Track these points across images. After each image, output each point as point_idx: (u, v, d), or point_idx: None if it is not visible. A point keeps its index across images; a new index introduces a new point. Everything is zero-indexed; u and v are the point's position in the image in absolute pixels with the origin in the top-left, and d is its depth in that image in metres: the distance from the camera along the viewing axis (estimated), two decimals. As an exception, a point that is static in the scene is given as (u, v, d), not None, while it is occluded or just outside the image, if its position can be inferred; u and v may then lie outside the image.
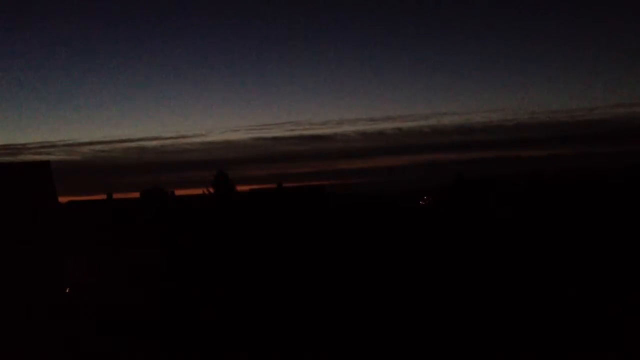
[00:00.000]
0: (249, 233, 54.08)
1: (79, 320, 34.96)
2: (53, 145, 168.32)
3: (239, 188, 65.74)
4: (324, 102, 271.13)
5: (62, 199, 55.39)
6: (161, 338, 30.51)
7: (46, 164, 40.99)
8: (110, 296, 40.60)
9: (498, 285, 38.23)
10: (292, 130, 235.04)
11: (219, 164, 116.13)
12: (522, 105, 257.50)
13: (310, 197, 67.62)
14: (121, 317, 34.69)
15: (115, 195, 67.17)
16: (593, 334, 27.29)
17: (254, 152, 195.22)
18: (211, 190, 61.95)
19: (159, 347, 29.05)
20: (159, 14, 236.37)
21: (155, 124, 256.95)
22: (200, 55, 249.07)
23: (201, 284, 42.21)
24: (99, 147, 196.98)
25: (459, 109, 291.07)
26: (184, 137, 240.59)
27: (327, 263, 47.74)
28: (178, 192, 72.09)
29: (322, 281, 42.43)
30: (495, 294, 36.07)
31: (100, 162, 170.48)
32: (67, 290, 40.60)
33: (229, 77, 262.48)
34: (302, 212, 60.71)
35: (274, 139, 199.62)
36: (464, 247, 52.18)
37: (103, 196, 66.85)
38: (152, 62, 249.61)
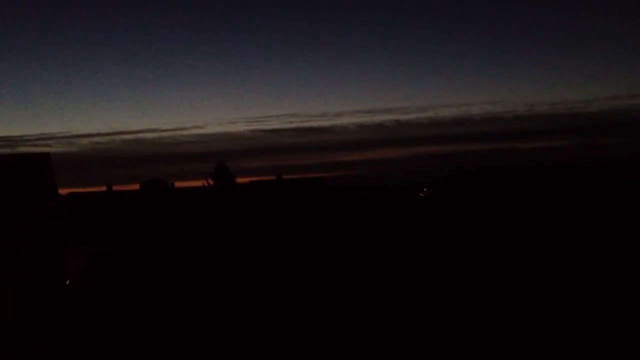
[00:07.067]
0: (250, 224, 54.19)
1: (79, 311, 35.05)
2: (51, 137, 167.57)
3: (239, 180, 65.90)
4: (322, 94, 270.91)
5: (62, 191, 55.40)
6: (161, 332, 30.57)
7: (46, 156, 40.99)
8: (110, 287, 40.69)
9: (494, 279, 38.44)
10: (290, 122, 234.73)
11: (217, 156, 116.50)
12: (520, 97, 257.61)
13: (310, 188, 67.64)
14: (121, 309, 34.75)
15: (115, 187, 67.17)
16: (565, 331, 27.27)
17: (252, 144, 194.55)
18: (211, 182, 61.97)
19: (159, 342, 29.08)
20: (157, 6, 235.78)
21: (153, 116, 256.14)
22: (198, 48, 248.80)
23: (202, 276, 42.30)
24: (97, 139, 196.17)
25: (457, 101, 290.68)
26: (181, 129, 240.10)
27: (326, 254, 47.87)
28: (178, 184, 72.10)
29: (322, 272, 42.56)
30: (491, 288, 36.30)
31: (99, 154, 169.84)
32: (68, 282, 40.72)
33: (226, 69, 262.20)
34: (302, 204, 60.79)
35: (272, 131, 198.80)
36: (463, 238, 52.32)
37: (103, 188, 66.86)
38: (150, 54, 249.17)
